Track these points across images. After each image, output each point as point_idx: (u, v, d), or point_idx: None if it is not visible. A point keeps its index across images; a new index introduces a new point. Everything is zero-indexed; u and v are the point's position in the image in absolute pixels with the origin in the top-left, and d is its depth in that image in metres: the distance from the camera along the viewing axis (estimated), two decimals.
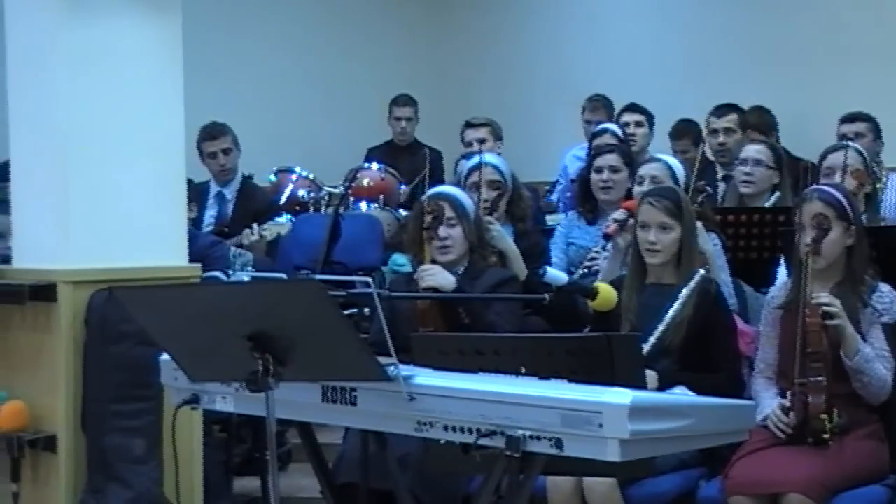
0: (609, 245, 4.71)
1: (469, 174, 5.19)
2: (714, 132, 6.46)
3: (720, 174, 6.34)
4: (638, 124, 6.98)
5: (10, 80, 4.23)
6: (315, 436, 3.49)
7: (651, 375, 3.77)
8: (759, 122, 6.71)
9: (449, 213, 4.40)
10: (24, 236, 4.25)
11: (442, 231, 4.37)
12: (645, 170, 5.02)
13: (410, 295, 4.27)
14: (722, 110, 6.51)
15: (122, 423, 3.96)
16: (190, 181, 5.78)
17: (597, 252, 5.00)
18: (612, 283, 3.85)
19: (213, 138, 6.63)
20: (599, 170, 5.29)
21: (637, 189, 4.92)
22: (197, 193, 6.29)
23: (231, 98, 7.88)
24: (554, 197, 7.09)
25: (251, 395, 2.87)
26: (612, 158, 5.31)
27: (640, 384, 2.86)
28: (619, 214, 4.64)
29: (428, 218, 4.34)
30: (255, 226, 6.05)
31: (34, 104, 4.16)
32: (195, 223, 6.13)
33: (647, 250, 4.10)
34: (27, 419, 3.99)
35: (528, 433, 2.68)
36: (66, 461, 3.98)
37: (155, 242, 4.19)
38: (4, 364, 4.12)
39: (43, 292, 3.97)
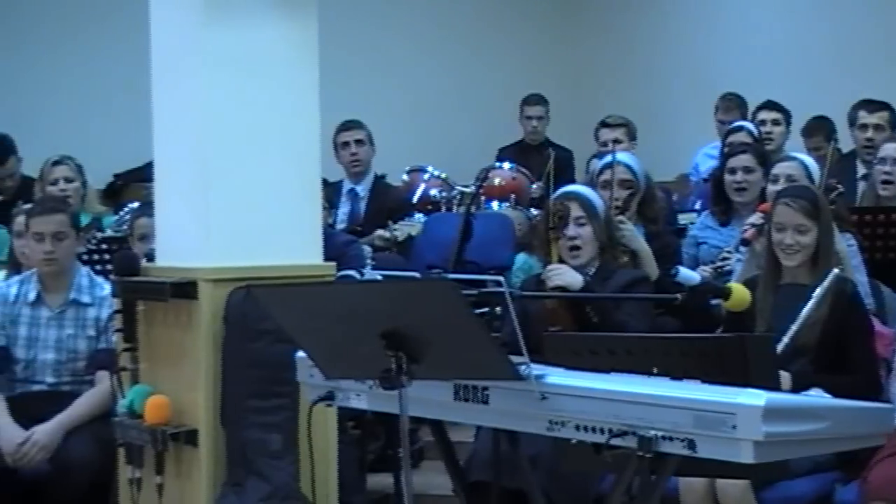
0: (742, 248, 4.67)
1: (601, 173, 5.18)
2: (864, 127, 6.28)
3: (860, 172, 6.20)
4: (775, 122, 6.87)
5: (154, 83, 4.33)
6: (447, 434, 3.52)
7: (784, 377, 3.72)
8: None
9: (578, 212, 4.39)
10: (166, 235, 4.34)
11: (571, 231, 4.36)
12: (780, 168, 4.95)
13: (542, 294, 4.27)
14: (874, 106, 6.32)
15: (259, 418, 4.02)
16: (325, 181, 5.87)
17: (728, 252, 4.95)
18: (745, 283, 3.81)
19: (347, 129, 6.75)
20: (733, 171, 5.24)
21: (771, 188, 4.86)
22: (330, 192, 6.38)
23: (365, 97, 7.97)
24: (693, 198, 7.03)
25: (385, 392, 2.91)
26: (745, 159, 5.25)
27: (775, 385, 2.83)
28: (757, 218, 4.59)
29: (554, 218, 4.34)
30: (390, 224, 6.12)
31: (176, 107, 4.25)
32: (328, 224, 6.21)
33: (783, 251, 4.05)
34: (170, 413, 4.06)
35: (660, 434, 2.67)
36: (206, 455, 4.04)
37: (291, 241, 4.25)
38: (148, 359, 4.21)
39: (184, 290, 4.04)
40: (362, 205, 6.75)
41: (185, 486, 4.11)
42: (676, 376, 2.79)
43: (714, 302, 4.31)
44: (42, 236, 4.61)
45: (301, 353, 3.44)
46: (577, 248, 4.36)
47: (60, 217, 4.63)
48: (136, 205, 5.95)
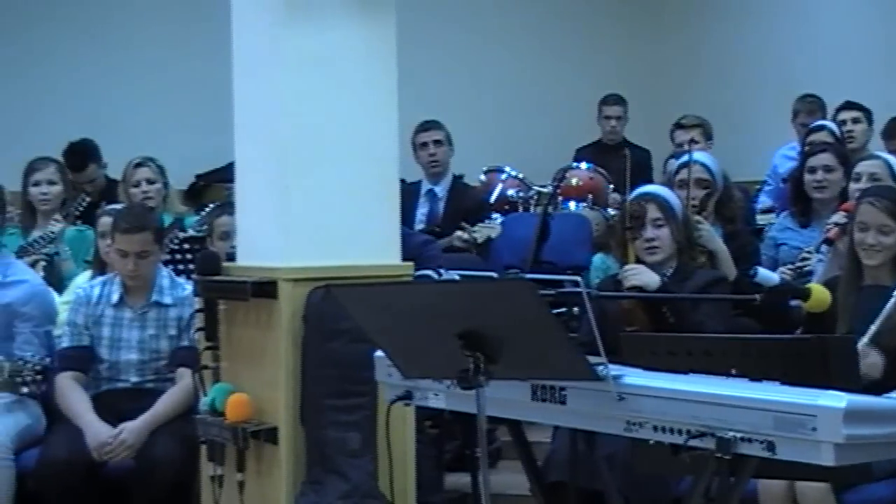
0: (824, 248, 4.62)
1: (677, 172, 5.16)
2: None
3: None
4: (855, 121, 6.80)
5: (234, 85, 4.38)
6: (525, 434, 3.53)
7: (875, 360, 3.68)
8: None
9: (656, 213, 4.37)
10: (246, 235, 4.38)
11: (649, 232, 4.35)
12: (863, 167, 4.89)
13: (619, 294, 4.26)
14: None
15: (338, 417, 4.04)
16: (403, 181, 5.90)
17: (808, 253, 4.91)
18: (825, 284, 3.77)
19: (426, 130, 6.78)
20: (813, 170, 5.19)
21: (854, 186, 4.81)
22: (408, 193, 6.42)
23: (442, 98, 8.00)
24: (762, 197, 6.97)
25: (462, 392, 2.92)
26: (825, 158, 5.19)
27: (856, 387, 2.81)
28: (839, 217, 4.54)
29: (631, 218, 4.32)
30: (466, 226, 6.13)
31: (257, 108, 4.30)
32: (408, 222, 6.24)
33: (865, 251, 4.01)
34: (251, 411, 4.09)
35: (739, 435, 2.65)
36: (286, 453, 4.07)
37: (369, 241, 4.26)
38: (229, 358, 4.25)
39: (265, 289, 4.07)
40: (440, 205, 6.78)
41: (265, 483, 4.14)
42: (755, 377, 2.77)
43: (793, 303, 4.27)
44: (126, 254, 4.66)
45: (379, 353, 3.46)
46: (654, 246, 4.34)
47: (144, 236, 4.65)
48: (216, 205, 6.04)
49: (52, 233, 5.64)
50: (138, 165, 6.27)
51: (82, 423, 4.52)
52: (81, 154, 6.86)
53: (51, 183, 5.93)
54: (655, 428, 2.82)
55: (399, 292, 3.23)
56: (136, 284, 4.72)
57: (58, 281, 5.48)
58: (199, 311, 4.31)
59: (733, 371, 2.85)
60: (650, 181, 6.24)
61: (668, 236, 4.36)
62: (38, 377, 4.43)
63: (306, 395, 4.08)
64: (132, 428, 4.49)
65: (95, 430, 4.48)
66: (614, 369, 2.91)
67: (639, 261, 4.32)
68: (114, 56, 7.82)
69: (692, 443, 2.71)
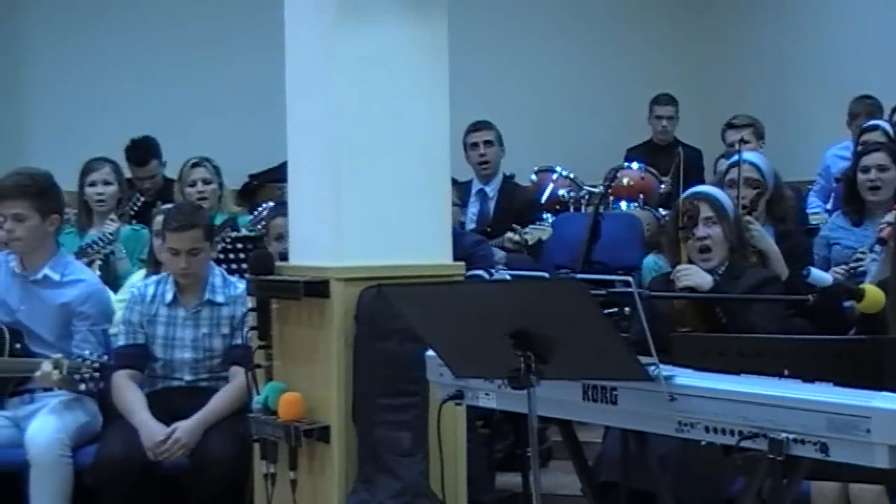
0: (878, 248, 4.58)
1: (727, 172, 5.14)
2: None
3: None
4: None
5: (288, 85, 4.41)
6: (576, 434, 3.53)
7: None
8: None
9: (708, 212, 4.36)
10: (299, 234, 4.41)
11: (701, 231, 4.34)
12: None
13: (670, 294, 4.25)
14: None
15: (390, 416, 4.06)
16: (454, 181, 5.91)
17: (862, 253, 4.87)
18: (878, 284, 3.74)
19: (476, 130, 6.80)
20: (867, 169, 5.15)
21: None
22: (459, 192, 6.43)
23: (493, 98, 8.01)
24: (813, 197, 6.92)
25: (513, 392, 2.93)
26: (879, 157, 5.16)
27: None
28: (893, 217, 4.51)
29: (683, 218, 4.31)
30: (517, 228, 6.14)
31: (309, 108, 4.32)
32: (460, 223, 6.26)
33: None
34: (303, 410, 4.12)
35: (791, 436, 2.65)
36: (338, 451, 4.09)
37: (421, 241, 4.27)
38: (282, 357, 4.28)
39: (317, 289, 4.09)
40: (491, 205, 6.79)
41: (317, 481, 4.17)
42: (808, 379, 2.76)
43: (847, 304, 4.24)
44: (178, 252, 4.71)
45: (430, 352, 3.48)
46: (707, 248, 4.33)
47: (195, 233, 4.70)
48: (270, 205, 6.08)
49: (110, 234, 5.70)
50: (194, 165, 6.33)
51: (137, 422, 4.56)
52: (144, 149, 6.96)
53: (106, 183, 6.00)
54: (707, 429, 2.82)
55: (450, 292, 3.25)
56: (188, 283, 4.76)
57: (113, 280, 5.54)
58: (251, 310, 4.34)
59: (786, 372, 2.84)
60: (701, 181, 6.22)
61: (720, 235, 4.35)
62: (96, 374, 4.49)
63: (358, 394, 4.10)
64: (186, 427, 4.53)
65: (150, 429, 4.53)
66: (666, 369, 2.91)
67: (691, 261, 4.31)
68: (169, 57, 7.89)
69: (744, 444, 2.70)
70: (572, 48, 8.93)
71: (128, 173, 6.70)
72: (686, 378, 2.90)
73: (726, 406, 2.76)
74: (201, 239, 4.72)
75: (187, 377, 4.76)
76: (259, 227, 5.80)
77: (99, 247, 5.64)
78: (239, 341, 4.66)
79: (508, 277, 4.75)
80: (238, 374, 4.56)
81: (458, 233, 4.95)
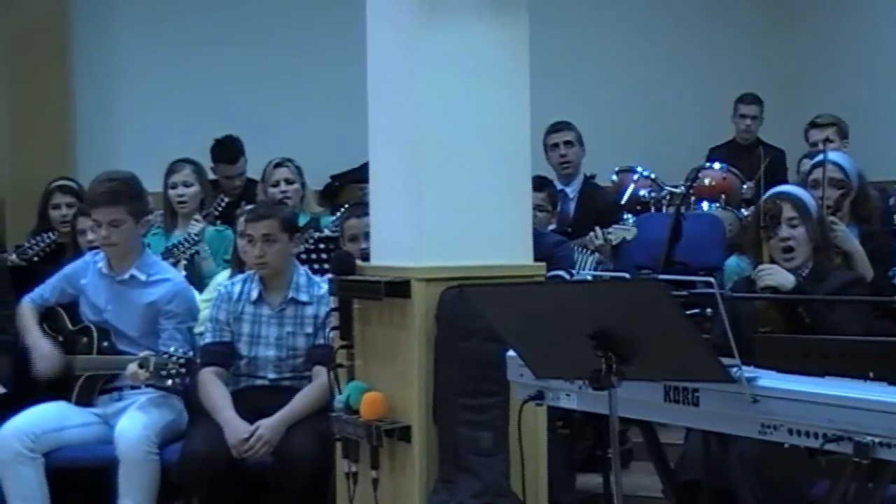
0: None
1: (810, 172, 5.09)
2: None
3: None
4: None
5: (369, 86, 4.44)
6: (657, 435, 3.52)
7: None
8: None
9: (791, 213, 4.31)
10: (380, 235, 4.43)
11: (784, 232, 4.30)
12: None
13: (752, 295, 4.22)
14: None
15: (470, 416, 4.07)
16: (548, 184, 5.91)
17: None
18: None
19: (557, 130, 6.79)
20: None
21: None
22: (552, 197, 6.42)
23: (575, 97, 7.98)
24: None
25: (594, 392, 2.93)
26: None
27: None
28: None
29: (765, 217, 4.27)
30: (597, 229, 6.12)
31: (391, 109, 4.33)
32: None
33: None
34: (384, 409, 4.13)
35: (877, 440, 2.62)
36: (419, 451, 4.10)
37: (502, 241, 4.27)
38: (363, 356, 4.30)
39: (398, 289, 4.10)
40: (571, 206, 6.78)
41: (398, 481, 4.19)
42: (894, 381, 2.73)
43: None
44: (253, 239, 4.78)
45: (511, 353, 3.49)
46: (790, 249, 4.29)
47: (270, 222, 4.78)
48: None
49: (195, 235, 5.77)
50: (277, 165, 6.40)
51: (221, 420, 4.62)
52: (232, 147, 7.05)
53: (186, 185, 6.06)
54: (790, 431, 2.80)
55: (531, 292, 3.25)
56: (267, 274, 4.80)
57: (197, 280, 5.61)
58: (333, 310, 4.38)
59: (871, 375, 2.81)
60: (785, 181, 6.16)
61: (803, 235, 4.31)
62: (182, 371, 4.56)
63: (439, 394, 4.11)
64: (269, 425, 4.58)
65: (234, 427, 4.59)
66: (748, 371, 2.89)
67: (773, 261, 4.27)
68: (252, 59, 7.97)
69: (828, 447, 2.68)
70: (654, 47, 8.88)
71: (211, 174, 6.80)
72: (769, 380, 2.88)
73: (810, 408, 2.74)
74: (277, 229, 4.78)
75: (271, 375, 4.81)
76: (338, 227, 5.84)
77: (184, 247, 5.72)
78: (322, 341, 4.70)
79: (589, 278, 4.74)
80: (321, 374, 4.60)
81: (539, 233, 4.95)
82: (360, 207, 5.23)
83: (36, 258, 5.82)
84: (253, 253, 4.79)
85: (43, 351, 4.88)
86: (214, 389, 4.72)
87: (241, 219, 5.27)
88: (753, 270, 4.32)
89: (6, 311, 4.98)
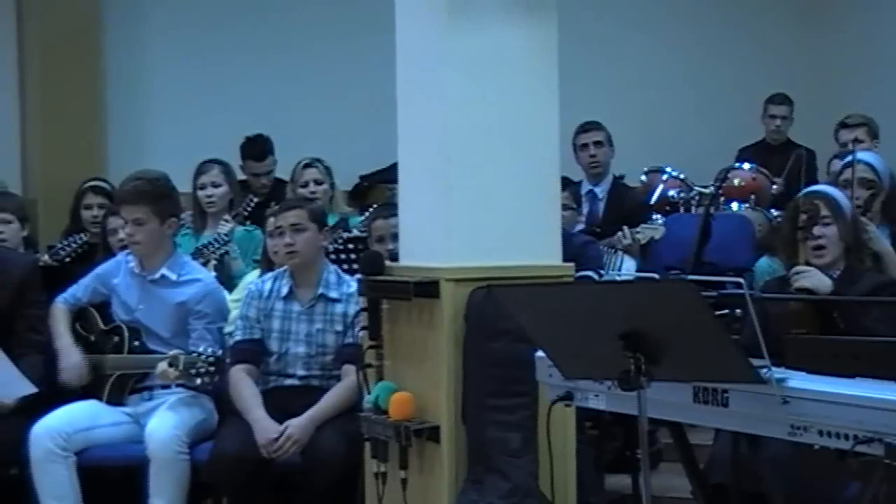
0: None
1: (841, 172, 5.06)
2: None
3: None
4: None
5: (398, 86, 4.44)
6: (686, 436, 3.51)
7: None
8: None
9: (824, 211, 4.29)
10: (409, 235, 4.44)
11: (816, 230, 4.27)
12: None
13: (782, 296, 4.19)
14: None
15: (499, 416, 4.07)
16: (569, 182, 5.91)
17: None
18: None
19: (586, 131, 6.78)
20: None
21: None
22: (574, 195, 6.42)
23: (603, 98, 7.97)
24: None
25: (623, 393, 2.93)
26: None
27: None
28: None
29: (803, 217, 4.25)
30: (625, 228, 6.11)
31: (420, 110, 4.34)
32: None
33: None
34: (413, 410, 4.14)
35: None
36: (448, 451, 4.10)
37: (531, 241, 4.27)
38: (392, 356, 4.31)
39: (427, 289, 4.11)
40: (601, 206, 6.77)
41: (427, 481, 4.19)
42: None
43: None
44: (282, 230, 4.83)
45: (540, 353, 3.49)
46: (821, 247, 4.26)
47: (297, 211, 4.85)
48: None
49: (225, 235, 5.80)
50: (307, 166, 6.41)
51: (251, 419, 4.64)
52: (261, 145, 7.10)
53: (215, 185, 6.08)
54: (821, 432, 2.79)
55: (560, 293, 3.25)
56: (296, 264, 4.81)
57: (227, 280, 5.64)
58: (362, 310, 4.39)
59: None
60: (815, 182, 6.13)
61: (834, 235, 4.27)
62: (212, 370, 4.58)
63: (468, 395, 4.11)
64: (298, 424, 4.59)
65: (263, 427, 4.60)
66: (778, 372, 2.88)
67: (808, 263, 4.24)
68: (281, 60, 7.99)
69: (859, 448, 2.67)
70: (683, 46, 8.86)
71: (240, 174, 6.82)
72: (799, 381, 2.88)
73: (841, 410, 2.73)
74: (306, 218, 4.82)
75: (300, 372, 4.82)
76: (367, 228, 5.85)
77: (214, 247, 5.74)
78: (351, 340, 4.70)
79: (618, 278, 4.74)
80: (350, 373, 4.61)
81: (568, 233, 4.94)
82: (388, 208, 5.25)
83: (68, 259, 5.85)
84: (282, 242, 4.81)
85: (71, 361, 4.91)
86: (245, 389, 4.74)
87: (271, 219, 5.30)
88: (787, 271, 4.30)
89: (39, 311, 5.01)
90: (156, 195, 4.87)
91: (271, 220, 5.26)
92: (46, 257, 5.86)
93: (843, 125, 6.70)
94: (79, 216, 6.23)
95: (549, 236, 4.33)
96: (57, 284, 5.17)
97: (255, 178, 7.06)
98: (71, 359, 4.91)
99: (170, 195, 4.97)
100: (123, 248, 5.19)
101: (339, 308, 4.83)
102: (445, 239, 4.20)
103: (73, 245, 5.91)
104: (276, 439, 4.56)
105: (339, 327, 4.81)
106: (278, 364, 4.84)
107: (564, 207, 5.57)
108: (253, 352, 4.83)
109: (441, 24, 4.20)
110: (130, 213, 4.85)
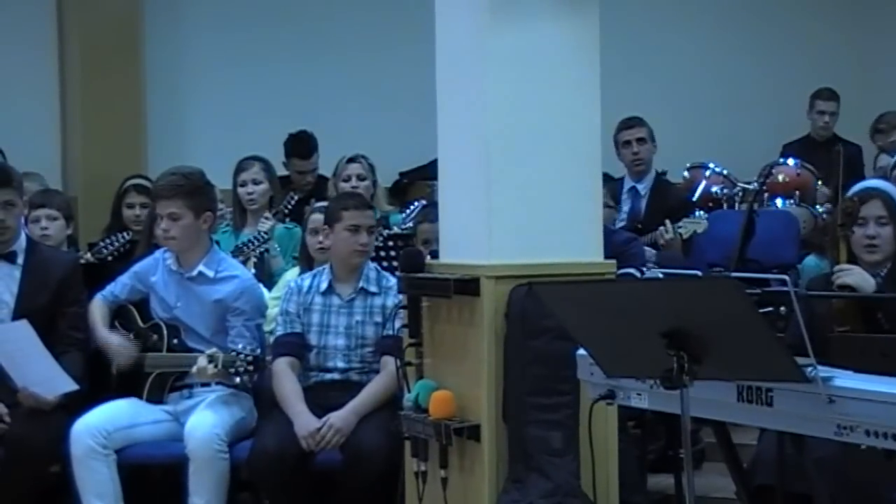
0: None
1: (895, 167, 4.99)
2: None
3: None
4: None
5: (438, 83, 4.43)
6: (730, 435, 3.47)
7: None
8: None
9: (880, 210, 4.21)
10: (449, 232, 4.42)
11: (871, 229, 4.20)
12: None
13: (828, 294, 4.14)
14: None
15: (540, 415, 4.04)
16: (608, 178, 5.86)
17: None
18: None
19: (629, 127, 6.74)
20: None
21: None
22: (612, 191, 6.38)
23: (646, 93, 7.94)
24: None
25: (666, 392, 2.90)
26: None
27: None
28: None
29: (844, 215, 4.19)
30: (667, 223, 6.06)
31: (460, 106, 4.32)
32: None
33: None
34: (454, 408, 4.12)
35: None
36: (489, 450, 4.08)
37: (572, 238, 4.24)
38: (432, 354, 4.29)
39: (467, 286, 4.09)
40: (643, 203, 6.72)
41: (468, 480, 4.17)
42: None
43: None
44: (358, 228, 4.84)
45: (582, 351, 3.45)
46: (873, 246, 4.18)
47: (372, 213, 4.96)
48: (422, 202, 6.11)
49: (265, 233, 5.80)
50: (350, 161, 6.41)
51: (292, 413, 4.64)
52: (306, 142, 7.11)
53: (255, 182, 6.08)
54: (868, 432, 2.75)
55: (602, 290, 3.22)
56: (359, 263, 4.85)
57: (267, 277, 5.64)
58: (402, 307, 4.37)
59: None
60: (861, 178, 6.05)
61: (889, 235, 4.20)
62: (250, 368, 4.58)
63: (509, 393, 4.09)
64: (339, 415, 4.59)
65: (304, 420, 4.60)
66: (823, 371, 2.84)
67: (852, 261, 4.17)
68: (323, 57, 8.01)
69: None
70: (726, 42, 8.80)
71: (283, 170, 6.81)
72: (845, 380, 2.83)
73: (888, 409, 2.69)
74: (374, 220, 4.93)
75: (340, 364, 4.82)
76: (409, 225, 5.83)
77: (254, 245, 5.74)
78: (390, 331, 4.69)
79: (660, 275, 4.69)
80: (389, 364, 4.60)
81: (610, 230, 4.91)
82: (433, 212, 5.23)
83: (110, 258, 5.87)
84: (358, 241, 4.83)
85: (115, 344, 4.91)
86: (287, 383, 4.74)
87: (313, 216, 5.29)
88: (832, 269, 4.24)
89: (80, 309, 5.01)
90: (190, 189, 4.86)
91: (314, 217, 5.26)
92: (89, 255, 5.88)
93: (877, 130, 6.61)
94: (120, 214, 6.25)
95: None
96: (98, 282, 5.18)
97: (301, 175, 7.07)
98: (114, 343, 4.89)
99: (204, 189, 4.96)
100: None
101: (378, 301, 4.84)
102: (486, 236, 4.18)
103: (116, 243, 5.92)
104: (318, 429, 4.55)
105: (379, 319, 4.81)
106: (318, 358, 4.84)
107: (604, 205, 5.55)
108: (295, 345, 4.84)
109: (482, 20, 4.17)
110: (165, 208, 4.85)
